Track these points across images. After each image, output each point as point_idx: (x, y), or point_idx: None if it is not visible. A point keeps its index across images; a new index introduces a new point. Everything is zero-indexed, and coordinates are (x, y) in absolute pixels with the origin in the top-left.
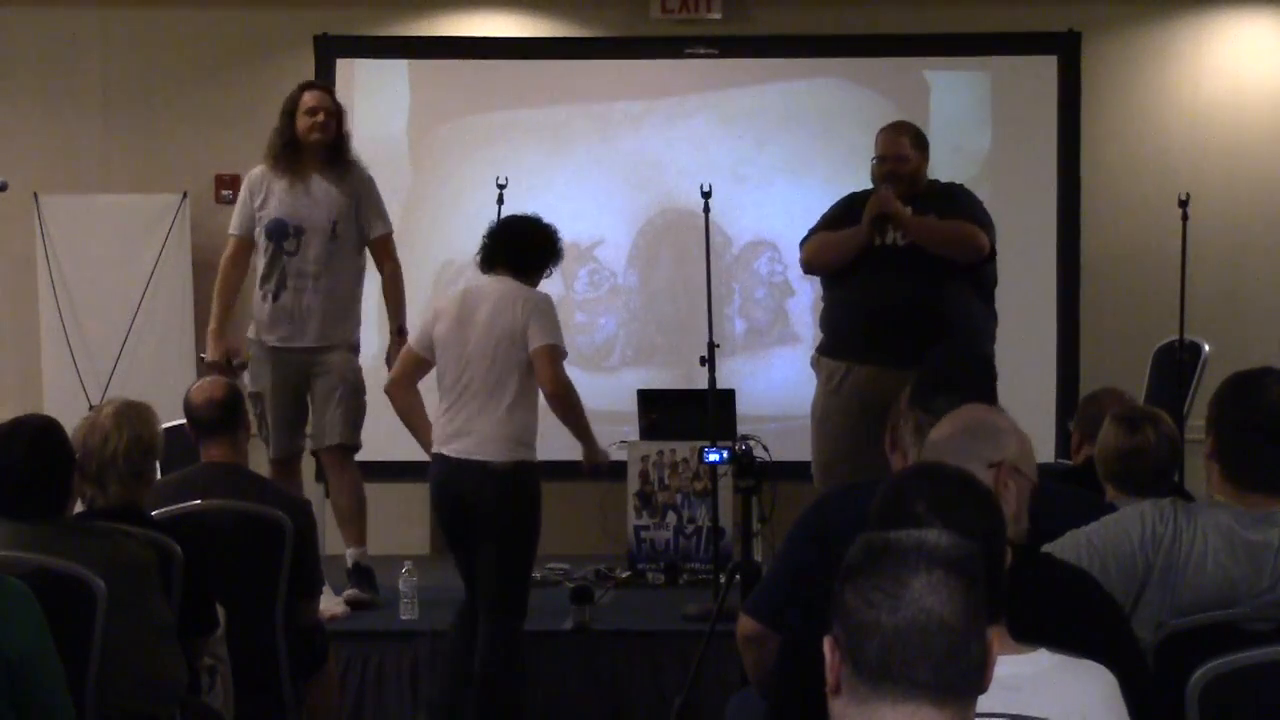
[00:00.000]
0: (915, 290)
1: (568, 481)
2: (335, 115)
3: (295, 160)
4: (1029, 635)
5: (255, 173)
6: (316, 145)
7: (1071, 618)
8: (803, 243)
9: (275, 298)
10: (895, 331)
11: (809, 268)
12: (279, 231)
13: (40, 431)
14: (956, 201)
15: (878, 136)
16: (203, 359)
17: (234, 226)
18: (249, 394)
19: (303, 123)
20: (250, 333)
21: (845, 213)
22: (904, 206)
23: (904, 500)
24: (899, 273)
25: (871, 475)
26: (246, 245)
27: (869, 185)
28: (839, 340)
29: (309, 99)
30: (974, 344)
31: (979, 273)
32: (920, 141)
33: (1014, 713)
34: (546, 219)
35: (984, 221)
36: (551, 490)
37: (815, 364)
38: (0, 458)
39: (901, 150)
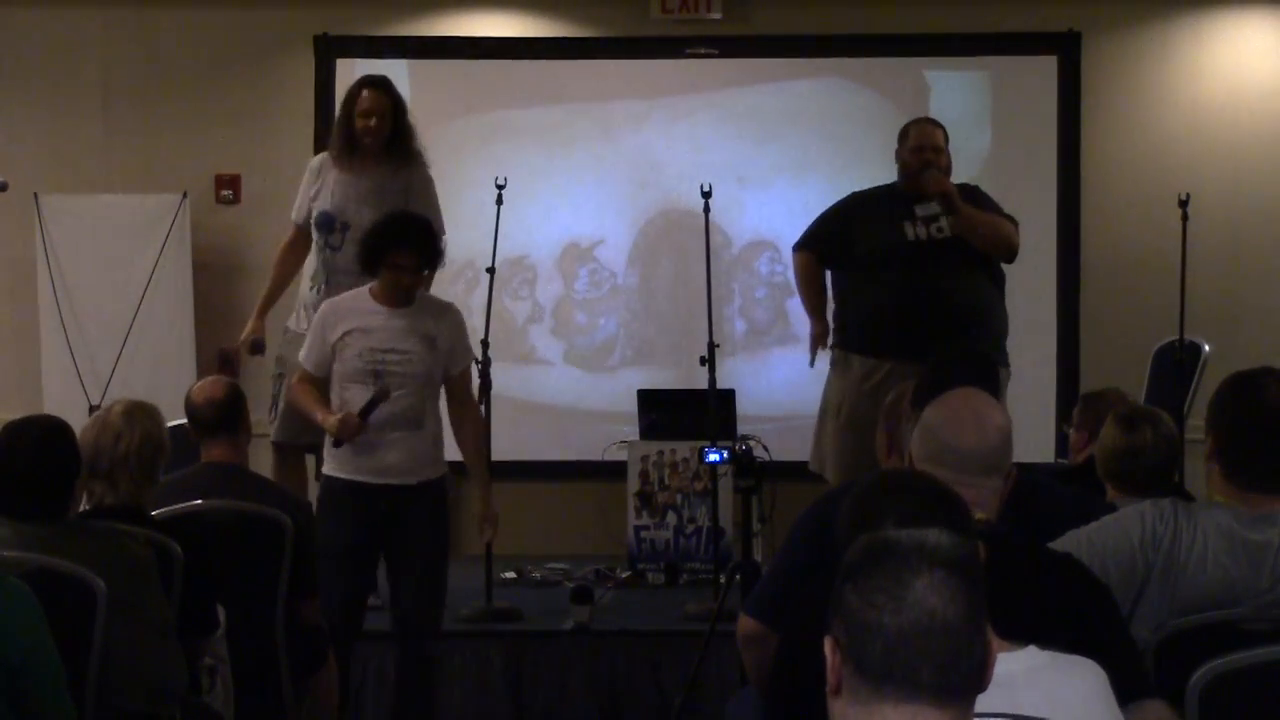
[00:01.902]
0: (948, 286)
1: (568, 481)
2: (391, 114)
3: (353, 152)
4: (1021, 629)
5: (316, 160)
6: (369, 144)
7: (1060, 604)
8: (795, 250)
9: (320, 292)
10: (933, 328)
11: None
12: (326, 225)
13: (47, 433)
14: (980, 202)
15: (909, 129)
16: (225, 352)
17: (294, 213)
18: (272, 375)
19: (359, 123)
20: (291, 323)
21: (845, 218)
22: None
23: (871, 514)
24: (935, 268)
25: None
26: (305, 232)
27: (869, 184)
28: (874, 336)
29: (365, 100)
30: (996, 341)
31: (995, 269)
32: (947, 138)
33: (1005, 710)
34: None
35: (1011, 219)
36: (551, 490)
37: (838, 360)
38: (5, 458)
39: (937, 141)
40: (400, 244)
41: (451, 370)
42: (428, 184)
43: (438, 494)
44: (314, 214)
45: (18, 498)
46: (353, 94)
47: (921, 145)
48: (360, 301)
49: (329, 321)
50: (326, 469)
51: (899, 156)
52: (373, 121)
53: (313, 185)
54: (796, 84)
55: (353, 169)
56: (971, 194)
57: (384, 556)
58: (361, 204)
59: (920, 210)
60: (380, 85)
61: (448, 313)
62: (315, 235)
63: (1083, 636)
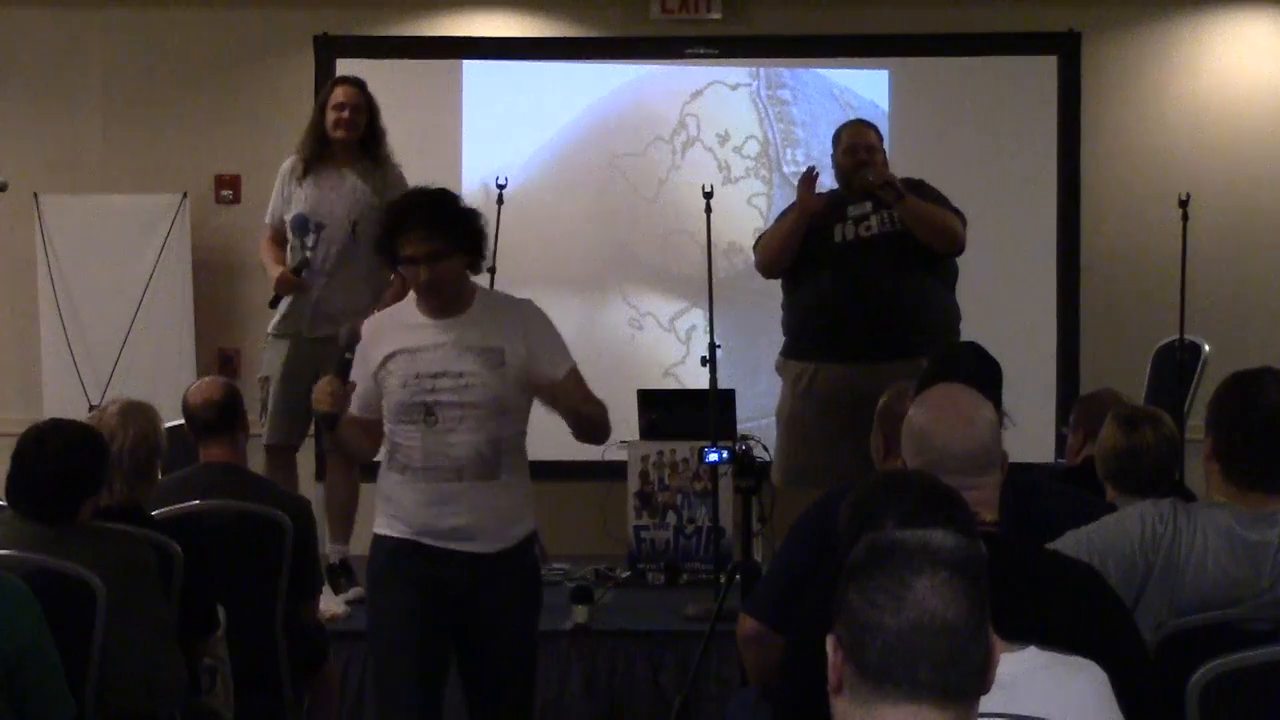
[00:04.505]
0: (877, 284)
1: (568, 481)
2: (365, 111)
3: (323, 155)
4: (1024, 630)
5: (286, 164)
6: (343, 141)
7: (1072, 612)
8: (754, 249)
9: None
10: (860, 328)
11: (766, 269)
12: (301, 227)
13: (76, 440)
14: (925, 193)
15: (840, 133)
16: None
17: (267, 216)
18: (258, 378)
19: (330, 117)
20: (270, 327)
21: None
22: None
23: (872, 514)
24: (858, 268)
25: (843, 475)
26: (280, 233)
27: (835, 188)
28: (803, 341)
29: (338, 94)
30: (941, 338)
31: (941, 265)
32: (881, 137)
33: (1003, 711)
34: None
35: (959, 213)
36: (551, 490)
37: (780, 368)
38: (31, 460)
39: (870, 141)
40: (406, 229)
41: (541, 377)
42: (402, 183)
43: (524, 562)
44: (290, 219)
45: (37, 500)
46: (327, 89)
47: (854, 145)
48: (404, 314)
49: (368, 343)
50: (377, 527)
51: (834, 160)
52: (345, 113)
53: (285, 188)
54: (796, 84)
55: (325, 170)
56: (917, 186)
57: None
58: (335, 205)
59: (852, 210)
60: (355, 83)
61: (516, 311)
62: (291, 238)
63: (1096, 649)
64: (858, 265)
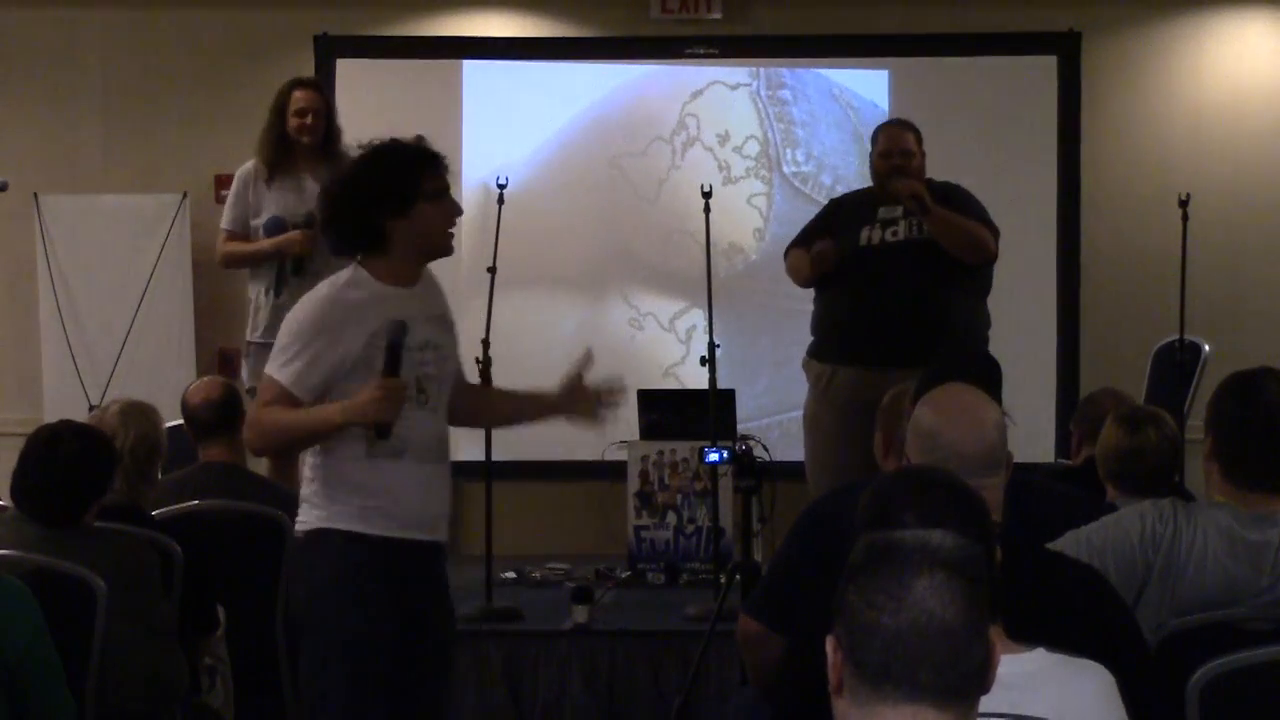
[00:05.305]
0: (900, 291)
1: (568, 481)
2: (324, 114)
3: (287, 157)
4: (1032, 632)
5: (247, 168)
6: (308, 145)
7: (1076, 614)
8: (786, 254)
9: (276, 295)
10: (876, 332)
11: (794, 281)
12: (278, 230)
13: (88, 446)
14: (957, 200)
15: (878, 133)
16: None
17: (227, 221)
18: (246, 389)
19: (292, 123)
20: (248, 334)
21: (827, 219)
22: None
23: (891, 510)
24: (883, 274)
25: (862, 475)
26: (240, 240)
27: (871, 185)
28: (826, 342)
29: (298, 98)
30: (967, 345)
31: (974, 275)
32: (920, 139)
33: (1010, 712)
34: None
35: (990, 224)
36: (551, 490)
37: (805, 367)
38: (42, 464)
39: (907, 145)
40: (433, 167)
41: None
42: None
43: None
44: (263, 222)
45: (44, 503)
46: (283, 93)
47: (890, 150)
48: (363, 285)
49: (351, 318)
50: (346, 522)
51: (870, 160)
52: (308, 119)
53: (249, 193)
54: (796, 84)
55: (292, 172)
56: (951, 192)
57: None
58: (308, 206)
59: (883, 213)
60: (312, 85)
61: (439, 284)
62: None
63: (1099, 650)
64: (880, 270)
